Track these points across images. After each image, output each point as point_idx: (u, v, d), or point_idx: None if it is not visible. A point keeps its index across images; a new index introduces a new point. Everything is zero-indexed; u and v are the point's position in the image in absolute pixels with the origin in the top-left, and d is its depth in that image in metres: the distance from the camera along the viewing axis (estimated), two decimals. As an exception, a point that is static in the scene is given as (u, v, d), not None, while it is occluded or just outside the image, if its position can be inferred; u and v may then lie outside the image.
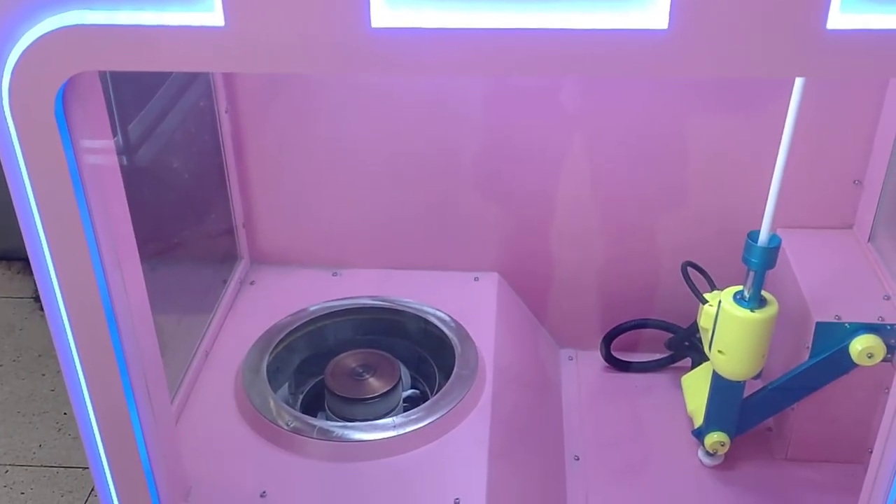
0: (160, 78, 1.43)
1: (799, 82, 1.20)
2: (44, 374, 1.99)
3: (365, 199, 1.63)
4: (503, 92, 1.53)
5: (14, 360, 2.03)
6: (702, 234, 1.57)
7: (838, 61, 0.81)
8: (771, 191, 1.26)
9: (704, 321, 1.39)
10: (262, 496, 1.24)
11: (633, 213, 1.60)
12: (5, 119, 0.89)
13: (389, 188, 1.62)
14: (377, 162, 1.60)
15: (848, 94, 1.46)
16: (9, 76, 0.86)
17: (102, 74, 0.96)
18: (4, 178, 0.90)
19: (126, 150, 1.32)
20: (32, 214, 0.95)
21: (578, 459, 1.50)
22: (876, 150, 1.47)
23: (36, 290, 2.15)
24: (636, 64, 0.83)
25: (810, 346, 1.36)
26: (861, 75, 1.22)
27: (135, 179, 1.04)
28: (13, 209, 0.90)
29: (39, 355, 2.04)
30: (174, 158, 1.52)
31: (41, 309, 2.16)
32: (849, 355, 1.34)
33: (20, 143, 0.91)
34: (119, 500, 1.15)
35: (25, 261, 2.34)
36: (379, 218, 1.65)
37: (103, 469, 1.13)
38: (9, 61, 0.85)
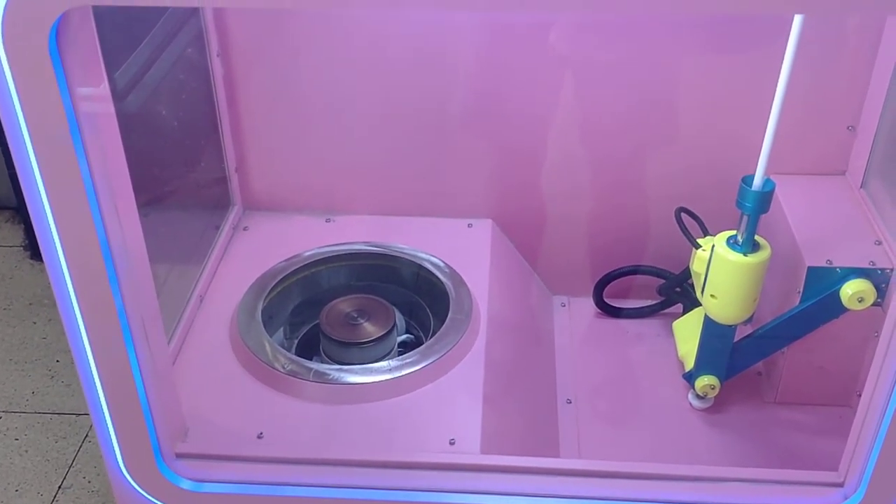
0: (148, 24, 1.40)
1: (795, 27, 1.19)
2: (35, 322, 1.98)
3: (359, 144, 1.62)
4: (496, 38, 1.51)
5: (5, 309, 2.03)
6: (695, 181, 1.57)
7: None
8: (766, 134, 1.25)
9: (697, 266, 1.40)
10: (258, 437, 1.26)
11: (627, 160, 1.60)
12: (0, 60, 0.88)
13: (383, 133, 1.61)
14: (371, 107, 1.59)
15: (843, 40, 1.45)
16: (1, 13, 0.85)
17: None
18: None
19: (115, 97, 1.30)
20: (29, 159, 0.94)
21: (570, 402, 1.52)
22: (870, 96, 1.47)
23: (24, 239, 2.16)
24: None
25: (801, 290, 1.37)
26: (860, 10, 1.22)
27: (125, 126, 1.03)
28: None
29: (30, 304, 2.04)
30: (165, 105, 1.50)
31: (31, 258, 2.18)
32: (839, 300, 1.35)
33: (15, 83, 0.89)
34: (118, 441, 1.16)
35: (13, 210, 2.33)
36: (373, 163, 1.64)
37: (102, 412, 1.14)
38: (0, -2, 0.84)
